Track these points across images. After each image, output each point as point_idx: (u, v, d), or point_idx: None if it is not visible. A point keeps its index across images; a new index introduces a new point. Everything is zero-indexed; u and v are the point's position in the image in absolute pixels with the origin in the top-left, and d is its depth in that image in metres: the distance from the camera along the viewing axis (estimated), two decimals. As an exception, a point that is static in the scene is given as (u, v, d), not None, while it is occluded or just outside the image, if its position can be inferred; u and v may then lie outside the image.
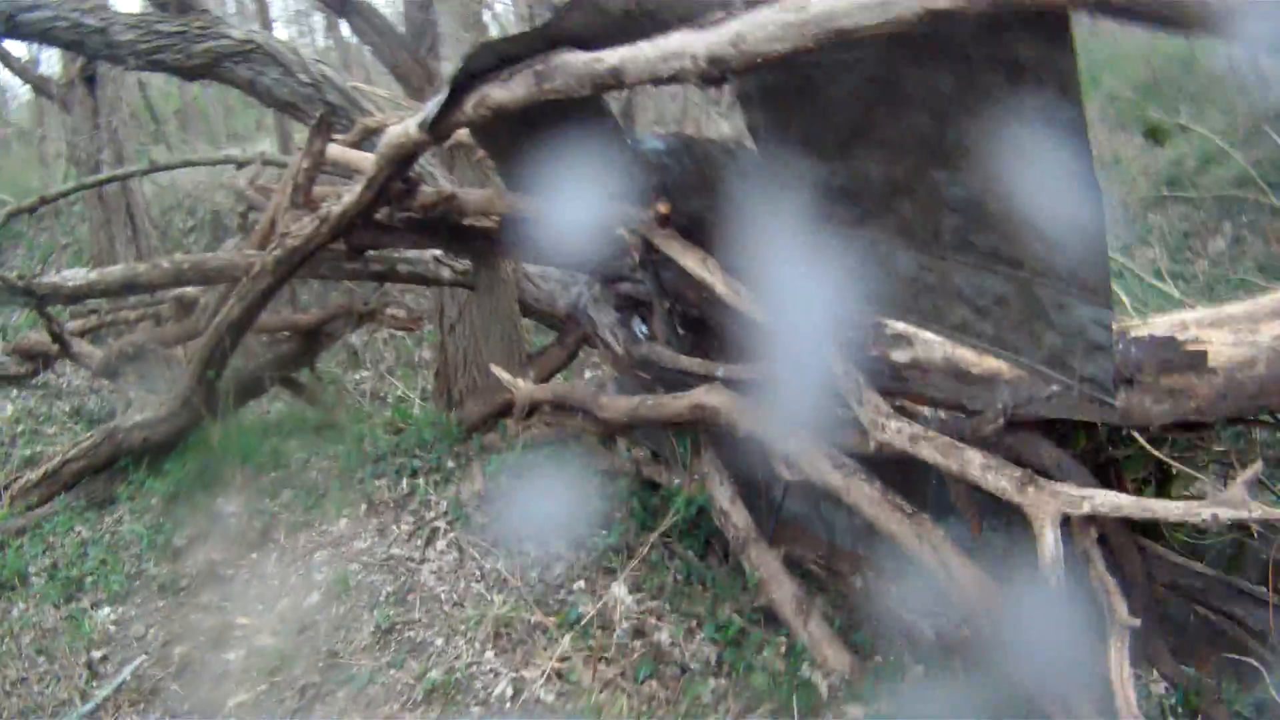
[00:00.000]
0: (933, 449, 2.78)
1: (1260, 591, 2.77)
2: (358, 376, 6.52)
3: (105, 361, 4.98)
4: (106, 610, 3.68)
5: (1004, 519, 3.07)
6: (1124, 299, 3.94)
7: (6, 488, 4.47)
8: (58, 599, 3.75)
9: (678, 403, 3.29)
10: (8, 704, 3.31)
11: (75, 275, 4.54)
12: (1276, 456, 3.03)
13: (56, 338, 4.84)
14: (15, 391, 6.60)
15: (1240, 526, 2.59)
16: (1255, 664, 2.71)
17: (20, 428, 6.30)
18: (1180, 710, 2.85)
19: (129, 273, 4.63)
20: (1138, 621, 2.57)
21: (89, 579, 3.87)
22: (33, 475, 4.48)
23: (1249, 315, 2.52)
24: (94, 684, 3.34)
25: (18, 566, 3.88)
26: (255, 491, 4.22)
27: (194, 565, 3.85)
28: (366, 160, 3.77)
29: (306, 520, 3.95)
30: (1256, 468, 2.46)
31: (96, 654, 3.47)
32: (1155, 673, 3.19)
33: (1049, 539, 2.54)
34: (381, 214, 3.88)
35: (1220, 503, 2.38)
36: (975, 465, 2.71)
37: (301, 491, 4.15)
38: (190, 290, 5.21)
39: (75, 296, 4.67)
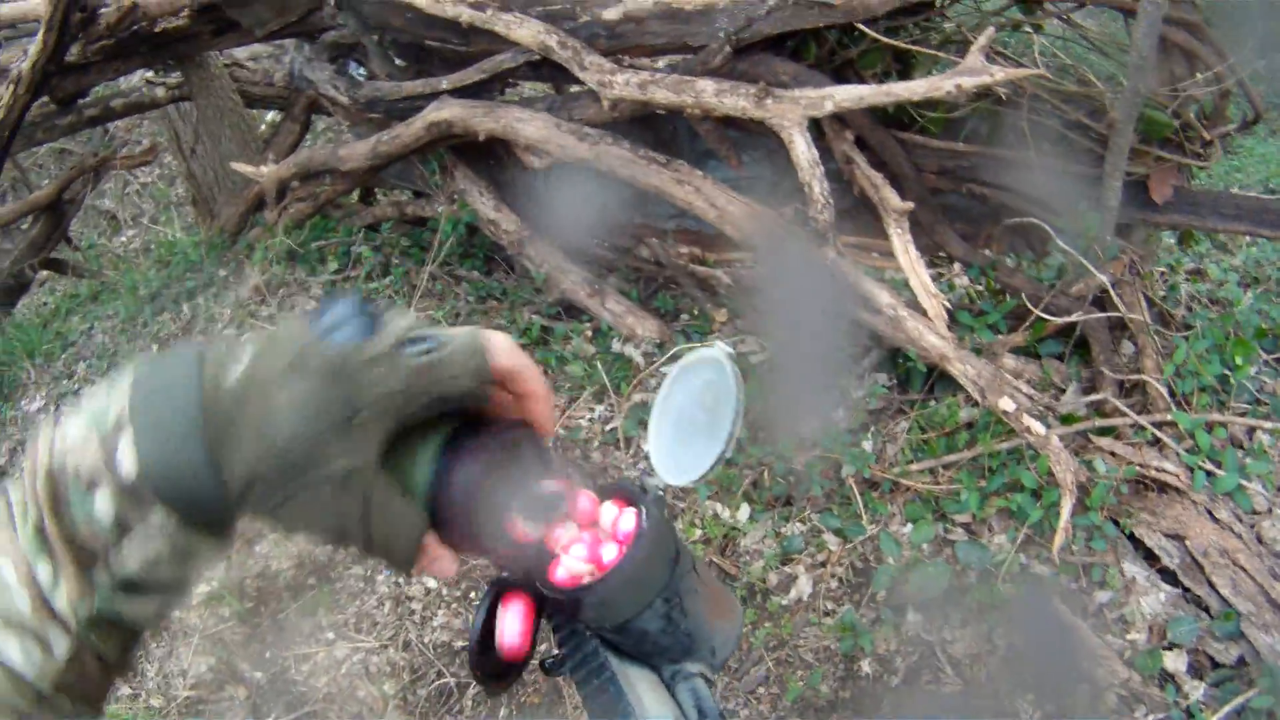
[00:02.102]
0: (665, 90, 2.72)
1: (1025, 156, 2.79)
2: (124, 238, 6.13)
3: None
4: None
5: (764, 151, 3.07)
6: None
7: None
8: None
9: (413, 127, 3.13)
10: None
11: None
12: (1006, 22, 3.02)
13: None
14: None
15: (986, 94, 2.58)
16: (1043, 226, 2.77)
17: None
18: (991, 289, 2.95)
19: None
20: (911, 205, 2.61)
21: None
22: None
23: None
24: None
25: None
26: (51, 380, 4.07)
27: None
28: (37, 4, 3.52)
29: (105, 385, 3.80)
30: (989, 34, 2.44)
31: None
32: (954, 265, 3.31)
33: (800, 145, 2.53)
34: (73, 54, 3.64)
35: (961, 72, 2.38)
36: (709, 93, 2.66)
37: (93, 359, 4.00)
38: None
39: None
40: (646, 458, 0.79)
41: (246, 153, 3.88)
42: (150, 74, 4.38)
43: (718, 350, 0.74)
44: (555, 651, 0.80)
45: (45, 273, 5.22)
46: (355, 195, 3.94)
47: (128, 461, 0.49)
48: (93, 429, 0.50)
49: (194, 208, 4.60)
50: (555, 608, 0.77)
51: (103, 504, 0.50)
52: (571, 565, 0.74)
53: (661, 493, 0.76)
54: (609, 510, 0.76)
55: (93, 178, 4.99)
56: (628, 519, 0.75)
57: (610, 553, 0.74)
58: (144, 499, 0.50)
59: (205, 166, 4.51)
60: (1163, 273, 3.34)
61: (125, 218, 6.26)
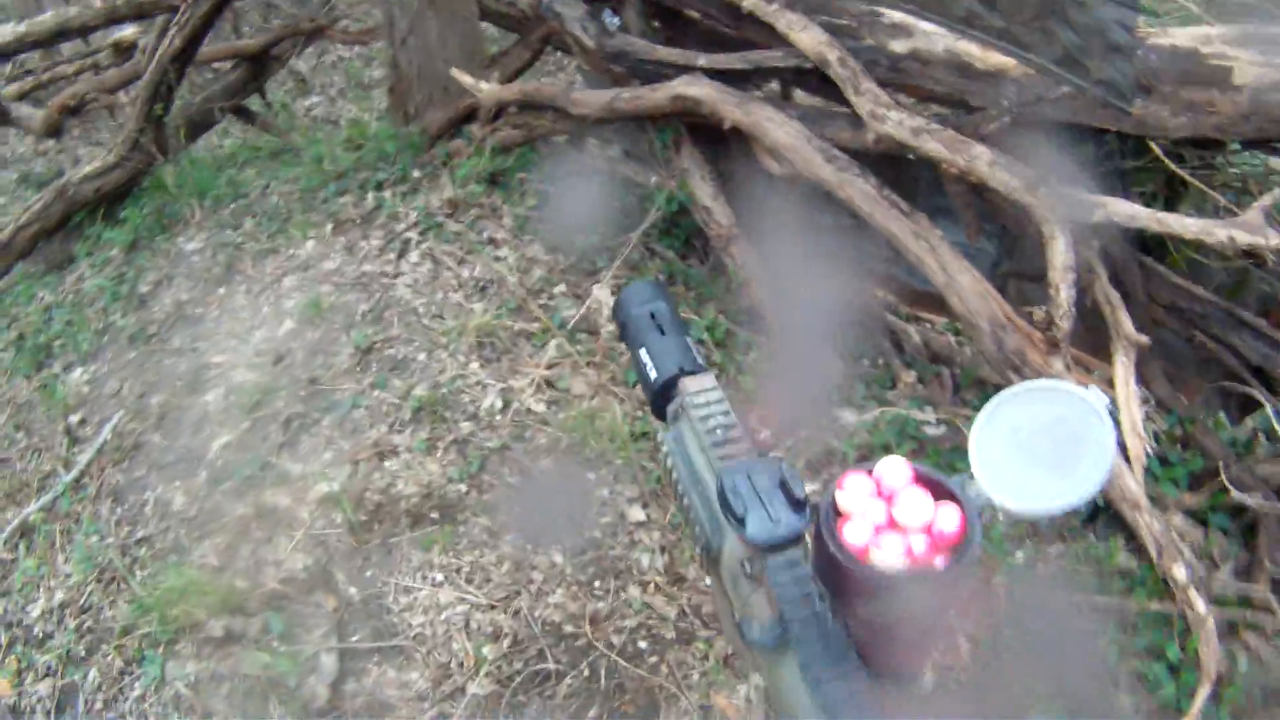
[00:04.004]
0: (938, 143, 2.60)
1: (1262, 324, 2.70)
2: (307, 103, 6.17)
3: (47, 119, 4.77)
4: (79, 371, 3.58)
5: (995, 227, 2.97)
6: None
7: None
8: (28, 370, 3.67)
9: (657, 94, 3.06)
10: (-8, 487, 3.24)
11: (3, 31, 4.28)
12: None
13: (-9, 103, 4.56)
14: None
15: (1249, 254, 2.46)
16: (1256, 395, 2.67)
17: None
18: (1172, 436, 2.81)
19: (60, 19, 4.35)
20: (1147, 340, 2.48)
21: (57, 343, 3.77)
22: (-15, 248, 4.28)
23: (1277, 38, 2.36)
24: (75, 450, 3.26)
25: (-18, 343, 3.77)
26: (216, 225, 4.06)
27: (161, 310, 3.71)
28: None
29: (272, 247, 3.79)
30: (1276, 194, 2.33)
31: (74, 418, 3.38)
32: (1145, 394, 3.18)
33: (1060, 244, 2.39)
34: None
35: (1238, 225, 2.26)
36: (983, 161, 2.53)
37: (264, 218, 3.98)
38: (127, 33, 4.97)
39: (5, 53, 4.48)
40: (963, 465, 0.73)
41: (469, 63, 3.85)
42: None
43: (1094, 396, 0.70)
44: (760, 622, 0.75)
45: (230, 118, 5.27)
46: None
47: None
48: None
49: (389, 95, 4.59)
50: (835, 577, 0.71)
51: None
52: (880, 542, 0.69)
53: (987, 503, 0.71)
54: (922, 498, 0.70)
55: (303, 41, 5.04)
56: (949, 518, 0.69)
57: (918, 545, 0.69)
58: None
59: (411, 59, 4.49)
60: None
61: (315, 84, 6.31)
